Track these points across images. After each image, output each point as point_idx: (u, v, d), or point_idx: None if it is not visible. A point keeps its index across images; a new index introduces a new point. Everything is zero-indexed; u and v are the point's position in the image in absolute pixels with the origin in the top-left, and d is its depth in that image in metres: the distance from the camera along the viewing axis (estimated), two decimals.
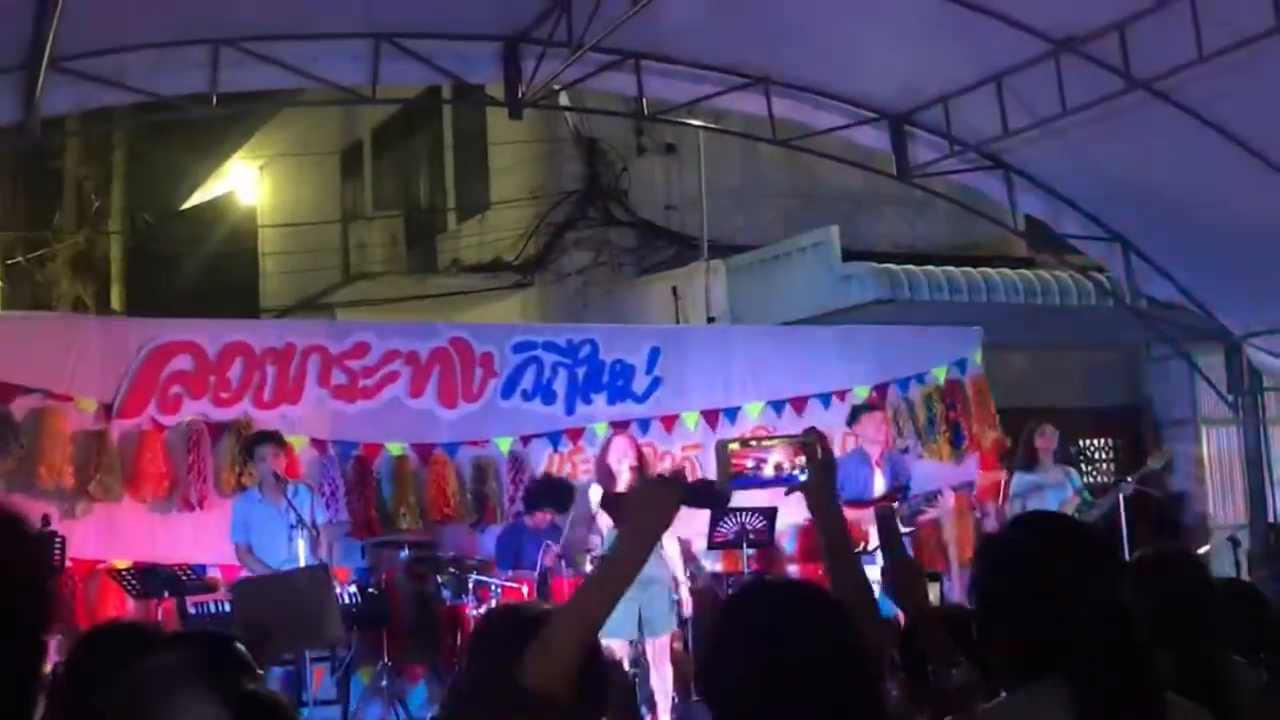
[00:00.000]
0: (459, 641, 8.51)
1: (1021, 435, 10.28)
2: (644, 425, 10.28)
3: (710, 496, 2.90)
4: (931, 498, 9.57)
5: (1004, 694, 2.50)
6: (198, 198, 20.38)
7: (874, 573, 3.20)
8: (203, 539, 8.97)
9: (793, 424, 10.24)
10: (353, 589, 8.73)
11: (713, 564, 10.05)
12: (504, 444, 9.97)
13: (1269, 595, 3.95)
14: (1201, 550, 11.99)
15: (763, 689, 2.19)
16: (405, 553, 9.18)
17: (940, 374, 11.12)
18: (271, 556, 8.41)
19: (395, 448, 9.71)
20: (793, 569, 10.08)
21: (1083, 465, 12.61)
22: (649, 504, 2.48)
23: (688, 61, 9.30)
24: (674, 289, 12.55)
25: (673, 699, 8.54)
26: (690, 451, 10.33)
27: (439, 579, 8.99)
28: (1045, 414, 10.68)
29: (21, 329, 9.64)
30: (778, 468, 2.78)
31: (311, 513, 8.42)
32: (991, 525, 10.32)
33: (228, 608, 8.07)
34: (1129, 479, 10.60)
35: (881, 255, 11.86)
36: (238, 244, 20.06)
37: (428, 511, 9.63)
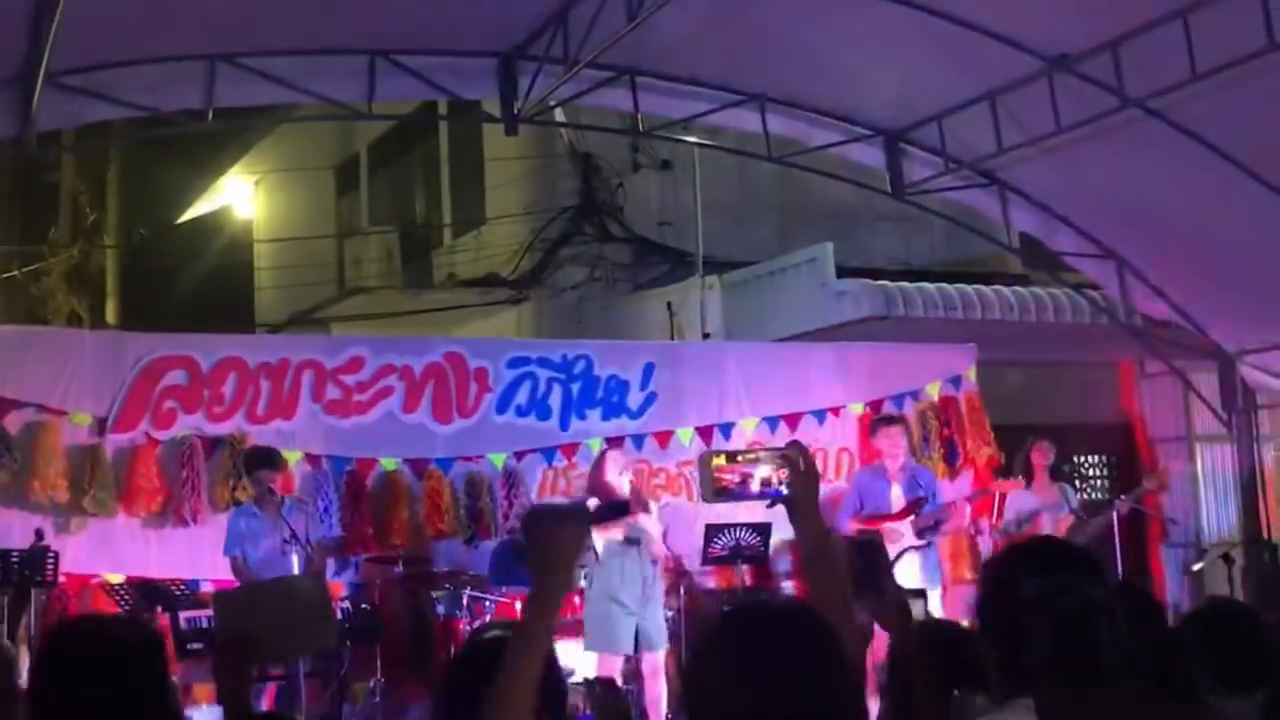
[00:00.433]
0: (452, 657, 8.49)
1: (1018, 452, 10.30)
2: (638, 441, 10.28)
3: (614, 509, 2.90)
4: (945, 511, 9.65)
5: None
6: (193, 212, 20.39)
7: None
8: (196, 554, 8.96)
9: (787, 440, 10.24)
10: (346, 604, 8.72)
11: (706, 580, 10.04)
12: (498, 459, 9.97)
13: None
14: (1195, 568, 12.02)
15: (748, 711, 2.17)
16: (399, 568, 9.17)
17: (934, 390, 11.13)
18: (265, 571, 8.38)
19: (389, 463, 9.71)
20: (787, 585, 10.07)
21: (1076, 482, 12.64)
22: (554, 553, 2.42)
23: (683, 78, 9.32)
24: (669, 305, 12.56)
25: (666, 716, 8.53)
26: (685, 468, 10.32)
27: (433, 594, 8.98)
28: (1039, 431, 10.72)
29: (16, 342, 9.62)
30: (765, 482, 2.77)
31: (305, 530, 8.41)
32: (985, 543, 10.32)
33: None
34: (1123, 497, 10.64)
35: (876, 272, 11.86)
36: (233, 259, 20.05)
37: (421, 527, 9.62)
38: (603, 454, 9.35)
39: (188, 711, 6.94)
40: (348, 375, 9.72)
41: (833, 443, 10.78)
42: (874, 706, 3.27)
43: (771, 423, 10.64)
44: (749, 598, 8.83)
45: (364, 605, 8.83)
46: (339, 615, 8.37)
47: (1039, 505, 10.23)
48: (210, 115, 8.43)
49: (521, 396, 10.12)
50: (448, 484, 9.76)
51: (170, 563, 8.92)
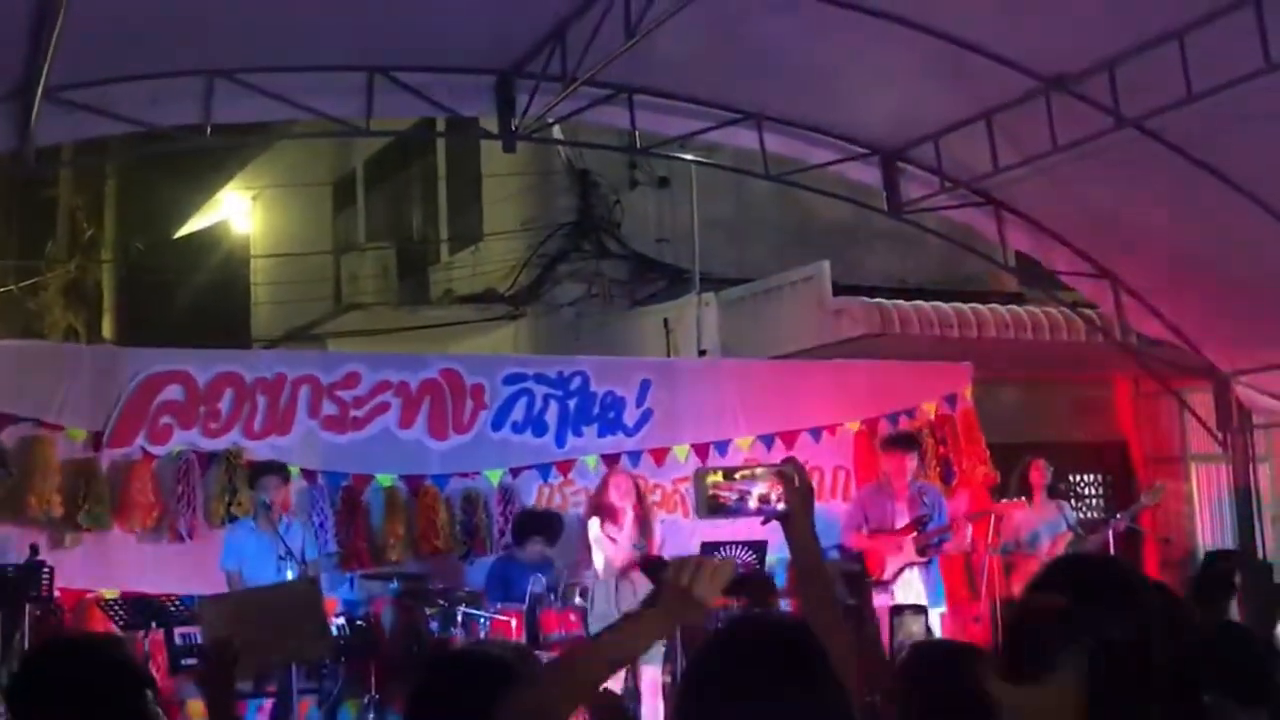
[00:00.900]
0: None
1: (1014, 471, 10.31)
2: (634, 458, 10.27)
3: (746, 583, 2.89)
4: (946, 530, 9.65)
5: None
6: (190, 227, 20.36)
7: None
8: (191, 569, 8.93)
9: (783, 458, 10.23)
10: (341, 620, 8.69)
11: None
12: (494, 476, 9.96)
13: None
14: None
15: None
16: (394, 584, 9.15)
17: (930, 409, 11.14)
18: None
19: (385, 479, 9.70)
20: (783, 603, 10.04)
21: (1072, 500, 12.63)
22: (689, 604, 2.40)
23: (681, 96, 9.34)
24: (665, 321, 12.57)
25: None
26: (681, 484, 10.32)
27: (428, 611, 8.95)
28: (1035, 449, 10.72)
29: (13, 357, 9.62)
30: (762, 499, 2.77)
31: (302, 547, 8.40)
32: (980, 560, 10.31)
33: None
34: (1119, 515, 10.64)
35: (872, 290, 11.87)
36: (230, 274, 20.06)
37: (417, 543, 9.61)
38: (607, 477, 9.40)
39: None
40: (344, 391, 9.72)
41: (829, 461, 10.78)
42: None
43: (768, 440, 10.64)
44: (741, 615, 8.80)
45: (359, 621, 8.81)
46: (333, 631, 8.34)
47: (1039, 526, 10.23)
48: (208, 131, 8.44)
49: (518, 413, 10.12)
50: (443, 500, 9.75)
51: (165, 578, 8.89)
